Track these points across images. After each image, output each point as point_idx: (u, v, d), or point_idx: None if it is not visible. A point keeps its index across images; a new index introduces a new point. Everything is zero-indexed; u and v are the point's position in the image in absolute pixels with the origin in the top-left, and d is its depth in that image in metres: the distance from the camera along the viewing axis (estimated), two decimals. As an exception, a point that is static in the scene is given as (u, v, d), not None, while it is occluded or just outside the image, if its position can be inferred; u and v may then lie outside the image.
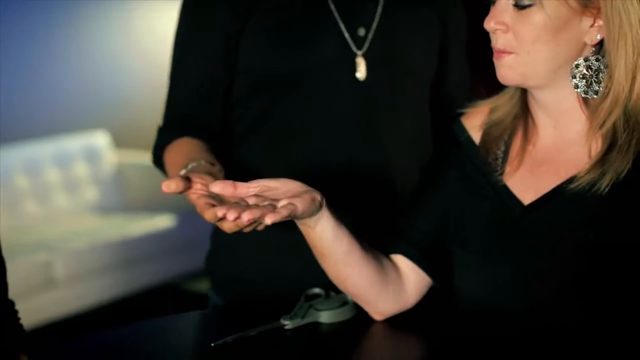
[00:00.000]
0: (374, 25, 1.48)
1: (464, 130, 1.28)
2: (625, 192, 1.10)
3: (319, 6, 1.47)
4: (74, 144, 4.41)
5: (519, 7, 1.11)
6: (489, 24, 1.14)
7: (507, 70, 1.15)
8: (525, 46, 1.12)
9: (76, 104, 4.50)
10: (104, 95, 4.57)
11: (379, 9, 1.49)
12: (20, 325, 1.26)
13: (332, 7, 1.47)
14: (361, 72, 1.47)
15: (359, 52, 1.47)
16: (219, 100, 1.53)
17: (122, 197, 4.39)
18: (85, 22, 4.45)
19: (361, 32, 1.48)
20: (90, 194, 4.31)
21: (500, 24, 1.13)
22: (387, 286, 1.26)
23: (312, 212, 1.12)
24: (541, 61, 1.12)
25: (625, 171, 1.10)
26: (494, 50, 1.16)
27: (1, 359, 1.18)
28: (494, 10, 1.14)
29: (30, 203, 4.14)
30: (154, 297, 3.95)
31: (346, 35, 1.47)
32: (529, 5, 1.10)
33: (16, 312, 1.28)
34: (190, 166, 1.30)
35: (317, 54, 1.47)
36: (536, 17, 1.10)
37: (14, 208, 3.96)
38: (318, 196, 1.13)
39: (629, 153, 1.10)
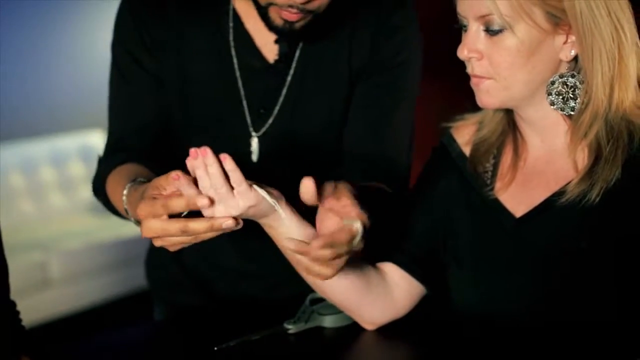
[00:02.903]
0: (276, 106, 1.45)
1: (454, 144, 1.27)
2: (616, 199, 1.10)
3: (228, 83, 1.45)
4: (69, 143, 4.40)
5: (491, 33, 1.10)
6: (462, 53, 1.13)
7: (486, 96, 1.14)
8: (502, 72, 1.11)
9: (72, 103, 4.48)
10: (100, 95, 4.53)
11: (285, 87, 1.45)
12: (22, 327, 1.26)
13: (240, 84, 1.45)
14: (254, 154, 1.46)
15: (255, 134, 1.46)
16: (161, 131, 1.49)
17: (117, 197, 4.38)
18: (82, 22, 4.44)
19: (262, 112, 1.46)
20: (86, 193, 4.29)
21: (474, 51, 1.12)
22: (370, 292, 1.24)
23: (266, 210, 1.09)
24: (519, 84, 1.12)
25: (614, 179, 1.10)
26: (470, 76, 1.15)
27: (3, 360, 1.18)
28: (466, 38, 1.13)
29: (25, 202, 4.12)
30: (150, 297, 3.93)
31: (247, 115, 1.45)
32: (500, 31, 1.09)
33: (18, 313, 1.27)
34: (137, 180, 1.25)
35: (221, 130, 1.46)
36: (508, 42, 1.09)
37: (10, 207, 3.95)
38: (273, 192, 1.09)
39: (617, 161, 1.10)
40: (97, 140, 4.40)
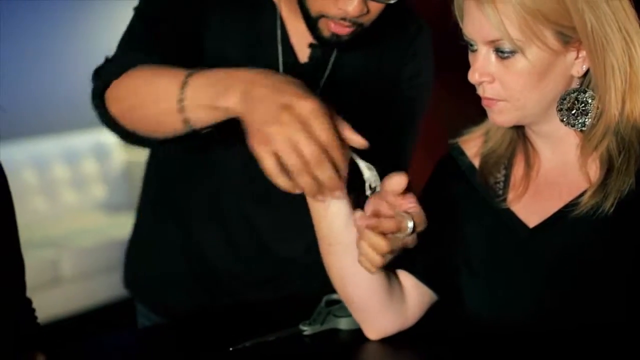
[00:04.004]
0: None
1: (464, 156, 1.27)
2: (630, 208, 1.09)
3: None
4: (82, 141, 4.41)
5: (501, 56, 1.09)
6: (474, 77, 1.12)
7: (500, 116, 1.14)
8: (514, 94, 1.10)
9: (86, 101, 4.44)
10: (114, 93, 4.57)
11: (319, 89, 1.44)
12: (38, 324, 1.26)
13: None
14: None
15: None
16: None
17: (130, 195, 4.38)
18: (97, 20, 4.45)
19: None
20: (99, 191, 4.31)
21: (485, 75, 1.11)
22: (391, 298, 1.22)
23: None
24: (532, 104, 1.11)
25: (628, 189, 1.09)
26: (482, 98, 1.14)
27: (18, 357, 1.18)
28: (476, 62, 1.11)
29: (38, 200, 4.13)
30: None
31: None
32: (511, 54, 1.08)
33: (33, 310, 1.27)
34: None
35: None
36: (519, 65, 1.08)
37: (22, 204, 3.96)
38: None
39: (630, 172, 1.09)
40: (110, 139, 4.41)
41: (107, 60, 1.28)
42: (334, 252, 1.18)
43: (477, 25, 1.09)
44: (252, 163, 1.45)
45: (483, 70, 1.11)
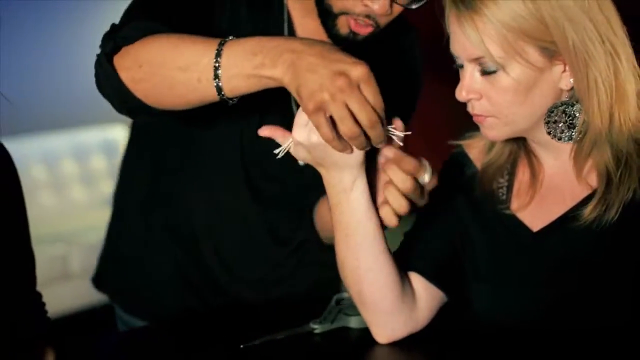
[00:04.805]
0: None
1: (468, 160, 1.27)
2: (634, 213, 1.09)
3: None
4: (92, 137, 4.41)
5: (485, 73, 1.09)
6: (461, 95, 1.12)
7: (491, 131, 1.14)
8: (502, 110, 1.11)
9: (95, 97, 4.45)
10: (124, 90, 4.57)
11: None
12: (48, 318, 1.26)
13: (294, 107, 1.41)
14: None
15: None
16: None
17: (138, 192, 4.39)
18: (106, 15, 4.45)
19: None
20: (107, 187, 4.31)
21: (472, 92, 1.11)
22: (403, 300, 1.21)
23: (357, 159, 1.08)
24: (521, 119, 1.12)
25: (631, 196, 1.09)
26: (472, 115, 1.15)
27: (28, 351, 1.18)
28: (463, 80, 1.12)
29: (46, 195, 4.14)
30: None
31: (294, 108, 1.41)
32: (495, 71, 1.08)
33: (43, 304, 1.27)
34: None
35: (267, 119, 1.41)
36: (504, 82, 1.08)
37: (31, 200, 3.94)
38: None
39: (632, 180, 1.09)
40: (119, 135, 4.42)
41: (117, 26, 1.24)
42: (351, 245, 1.16)
43: (460, 43, 1.10)
44: (245, 154, 1.46)
45: (470, 87, 1.11)
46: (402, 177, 1.08)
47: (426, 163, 1.10)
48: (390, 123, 1.07)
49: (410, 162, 1.08)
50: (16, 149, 1.26)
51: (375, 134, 1.01)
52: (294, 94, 1.02)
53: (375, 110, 0.99)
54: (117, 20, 1.28)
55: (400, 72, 1.51)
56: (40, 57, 4.25)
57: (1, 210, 1.14)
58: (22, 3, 4.07)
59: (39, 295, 1.26)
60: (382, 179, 1.13)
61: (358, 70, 0.98)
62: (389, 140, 1.08)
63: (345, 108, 0.98)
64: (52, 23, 4.31)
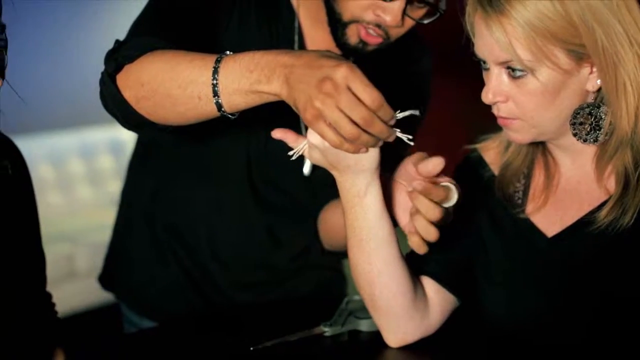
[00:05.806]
0: None
1: (484, 163, 1.26)
2: None
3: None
4: (99, 136, 4.42)
5: (513, 75, 1.08)
6: (487, 97, 1.11)
7: (516, 134, 1.14)
8: (528, 112, 1.10)
9: (102, 96, 4.50)
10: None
11: None
12: (58, 318, 1.26)
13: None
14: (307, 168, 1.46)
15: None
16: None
17: (145, 192, 4.39)
18: (113, 14, 4.46)
19: None
20: (114, 187, 4.31)
21: (499, 95, 1.10)
22: (415, 303, 1.20)
23: (371, 164, 1.08)
24: (548, 121, 1.11)
25: None
26: (497, 117, 1.14)
27: (38, 351, 1.18)
28: (489, 82, 1.11)
29: (54, 194, 4.14)
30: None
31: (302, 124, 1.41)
32: (523, 73, 1.07)
33: (53, 305, 1.27)
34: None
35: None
36: (531, 85, 1.07)
37: (38, 199, 3.94)
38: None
39: None
40: (126, 135, 4.42)
41: (120, 43, 1.25)
42: (365, 250, 1.16)
43: (487, 46, 1.08)
44: (252, 163, 1.46)
45: (496, 90, 1.10)
46: (430, 207, 1.08)
47: (453, 187, 1.10)
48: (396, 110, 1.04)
49: (439, 193, 1.08)
50: (23, 148, 1.26)
51: (375, 130, 0.99)
52: (293, 107, 1.02)
53: (369, 108, 0.97)
54: (124, 20, 1.28)
55: (407, 82, 1.50)
56: (47, 57, 4.25)
57: (14, 210, 1.15)
58: (30, 2, 4.07)
59: (49, 296, 1.26)
60: (408, 203, 1.13)
61: (341, 72, 0.97)
62: (401, 142, 1.07)
63: (338, 111, 0.97)
64: (59, 22, 4.32)
